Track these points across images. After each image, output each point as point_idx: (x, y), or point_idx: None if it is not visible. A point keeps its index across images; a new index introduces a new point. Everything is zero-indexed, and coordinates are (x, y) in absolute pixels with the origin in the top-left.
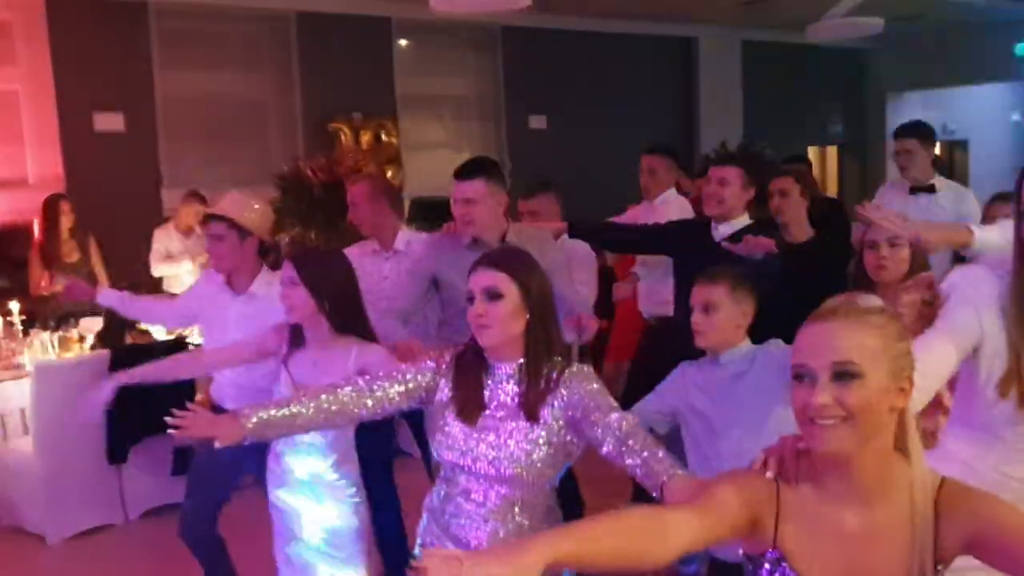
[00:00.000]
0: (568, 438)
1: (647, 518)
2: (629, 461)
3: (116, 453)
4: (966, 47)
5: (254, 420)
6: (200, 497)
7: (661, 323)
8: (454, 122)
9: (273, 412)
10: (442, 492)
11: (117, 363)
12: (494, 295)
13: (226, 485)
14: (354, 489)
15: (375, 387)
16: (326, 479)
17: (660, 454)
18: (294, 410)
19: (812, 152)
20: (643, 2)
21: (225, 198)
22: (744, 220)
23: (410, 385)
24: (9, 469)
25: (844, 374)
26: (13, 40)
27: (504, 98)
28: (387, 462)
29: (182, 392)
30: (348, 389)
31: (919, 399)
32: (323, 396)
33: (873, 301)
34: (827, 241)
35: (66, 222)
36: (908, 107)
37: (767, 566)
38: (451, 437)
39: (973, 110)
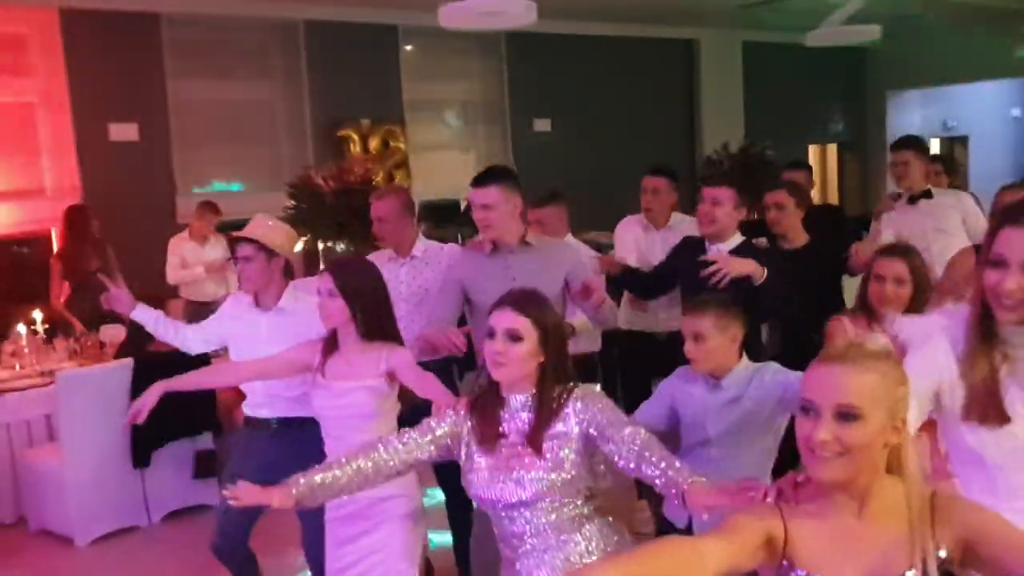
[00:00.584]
0: (584, 448)
1: (686, 546)
2: (648, 472)
3: (140, 458)
4: (965, 45)
5: (302, 485)
6: (234, 511)
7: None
8: (460, 126)
9: (317, 479)
10: (498, 536)
11: (140, 372)
12: (515, 337)
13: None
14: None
15: (406, 442)
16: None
17: (677, 463)
18: (336, 473)
19: (813, 150)
20: (644, 6)
21: (253, 221)
22: (737, 239)
23: (438, 434)
24: (36, 474)
25: (847, 415)
26: (29, 53)
27: (509, 102)
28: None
29: (203, 401)
30: (381, 449)
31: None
32: (360, 460)
33: (879, 344)
34: (822, 245)
35: (86, 230)
36: (908, 104)
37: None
38: (479, 474)
39: (973, 106)
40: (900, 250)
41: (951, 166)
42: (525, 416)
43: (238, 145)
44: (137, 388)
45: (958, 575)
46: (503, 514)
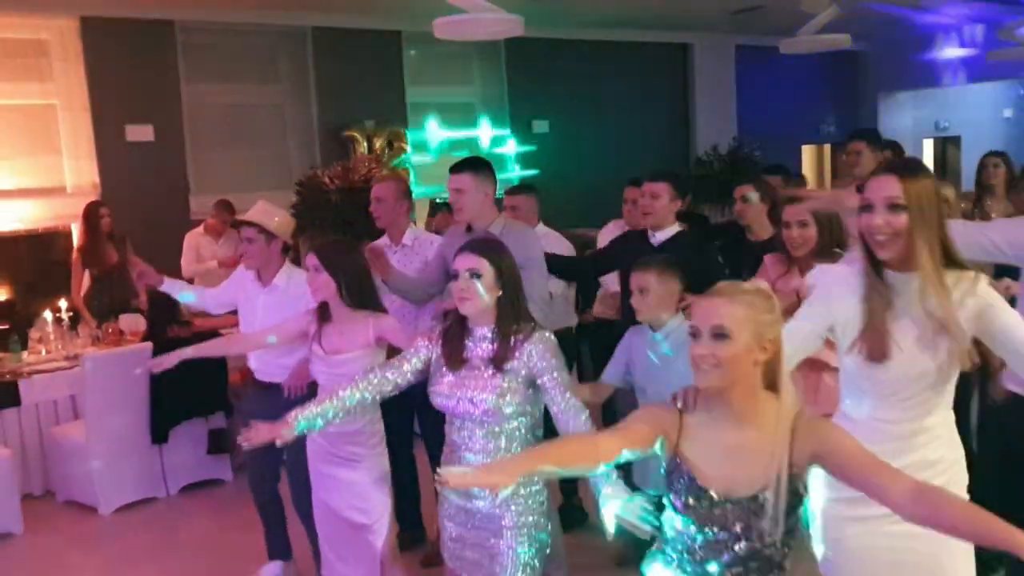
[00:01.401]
0: (529, 390)
1: (584, 439)
2: (564, 428)
3: (158, 434)
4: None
5: (300, 419)
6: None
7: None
8: (462, 128)
9: (312, 410)
10: (447, 440)
11: (159, 355)
12: (474, 274)
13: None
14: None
15: (389, 372)
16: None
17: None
18: (329, 404)
19: (806, 151)
20: (640, 11)
21: (255, 207)
22: (675, 228)
23: (414, 363)
24: (63, 449)
25: (719, 335)
26: (51, 58)
27: (508, 104)
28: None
29: (215, 383)
30: (370, 376)
31: (789, 362)
32: (350, 391)
33: (754, 285)
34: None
35: (105, 226)
36: (900, 106)
37: (676, 473)
38: (441, 385)
39: (965, 107)
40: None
41: (898, 151)
42: (486, 345)
43: (248, 145)
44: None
45: (802, 485)
46: (456, 423)
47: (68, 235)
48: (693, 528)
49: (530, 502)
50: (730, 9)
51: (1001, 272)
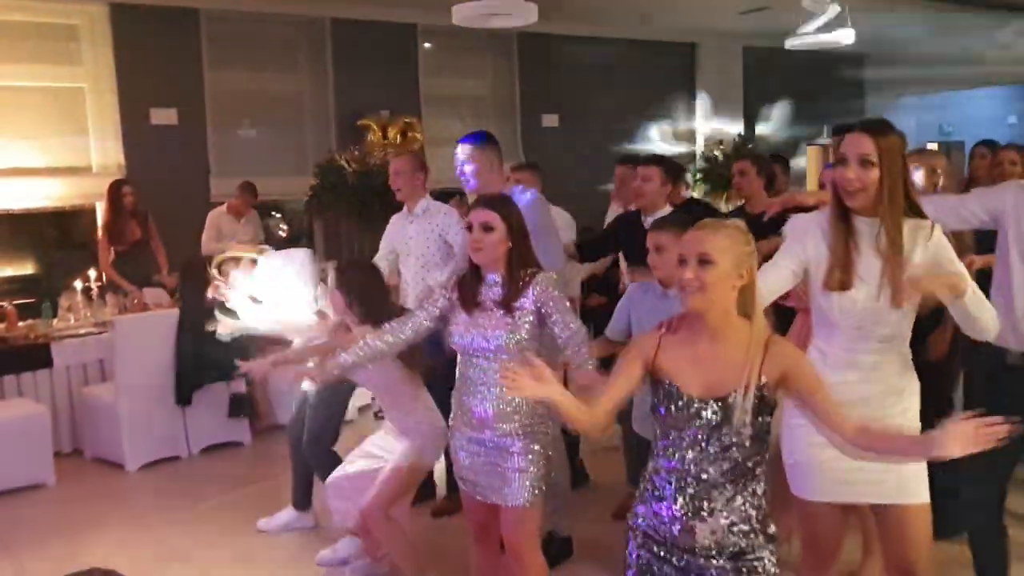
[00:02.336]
0: (538, 328)
1: (585, 411)
2: (568, 353)
3: (183, 397)
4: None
5: (333, 365)
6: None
7: None
8: (473, 119)
9: (346, 359)
10: (458, 375)
11: (185, 320)
12: (488, 228)
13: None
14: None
15: (413, 322)
16: None
17: (586, 353)
18: (359, 353)
19: (811, 152)
20: (650, 10)
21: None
22: (666, 210)
23: (434, 312)
24: (92, 409)
25: (704, 261)
26: (80, 43)
27: (519, 98)
28: None
29: (238, 350)
30: (393, 324)
31: (764, 299)
32: (377, 341)
33: (733, 221)
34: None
35: (128, 204)
36: (904, 109)
37: (658, 385)
38: (458, 326)
39: (969, 112)
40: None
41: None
42: (497, 290)
43: (267, 130)
44: (182, 335)
45: (768, 395)
46: (471, 360)
47: (93, 213)
48: (672, 435)
49: (536, 432)
50: (737, 9)
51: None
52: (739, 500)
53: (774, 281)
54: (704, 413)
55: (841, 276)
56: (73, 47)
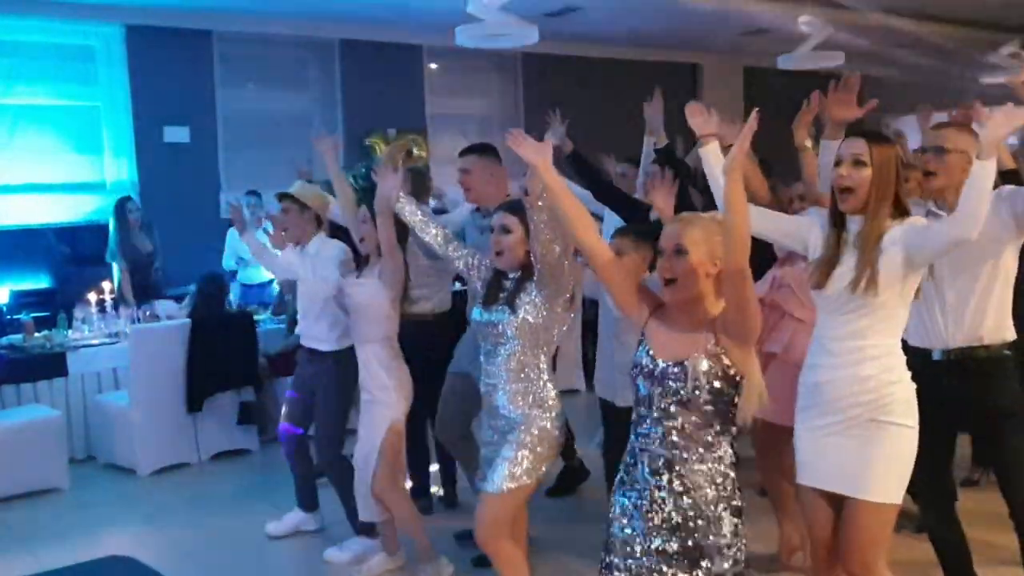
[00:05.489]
0: (545, 313)
1: (589, 224)
2: None
3: (193, 404)
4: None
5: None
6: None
7: None
8: (479, 137)
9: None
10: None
11: (196, 331)
12: (506, 230)
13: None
14: None
15: (457, 247)
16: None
17: None
18: (429, 228)
19: None
20: (652, 31)
21: (294, 185)
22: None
23: (465, 252)
24: (105, 416)
25: (678, 251)
26: (96, 63)
27: (524, 117)
28: None
29: (247, 359)
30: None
31: (756, 223)
32: (436, 229)
33: (709, 214)
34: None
35: (133, 222)
36: (907, 128)
37: (642, 343)
38: (478, 309)
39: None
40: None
41: None
42: (509, 285)
43: (277, 148)
44: (194, 345)
45: (727, 363)
46: (489, 345)
47: (107, 229)
48: (642, 392)
49: (551, 415)
50: (737, 31)
51: None
52: (701, 466)
53: (773, 218)
54: (665, 377)
55: (818, 277)
56: (89, 67)
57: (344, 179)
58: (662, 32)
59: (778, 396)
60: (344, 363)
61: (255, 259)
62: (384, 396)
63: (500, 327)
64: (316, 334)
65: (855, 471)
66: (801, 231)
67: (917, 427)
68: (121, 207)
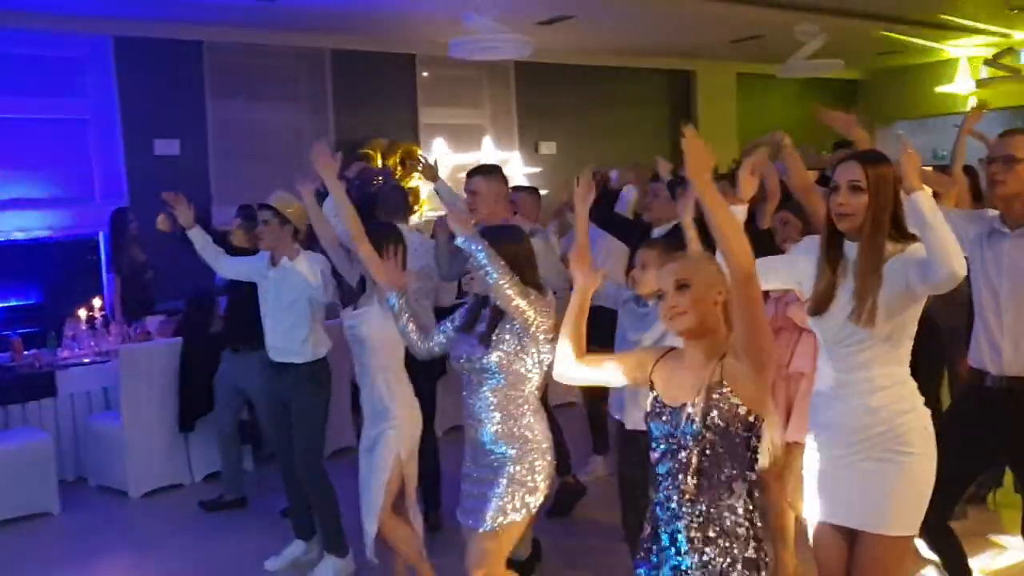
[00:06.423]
0: (522, 347)
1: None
2: None
3: (185, 423)
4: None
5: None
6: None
7: None
8: (472, 147)
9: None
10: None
11: (188, 350)
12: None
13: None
14: None
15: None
16: None
17: None
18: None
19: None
20: (645, 39)
21: (273, 195)
22: (673, 222)
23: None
24: (96, 437)
25: (681, 286)
26: (84, 75)
27: (517, 126)
28: None
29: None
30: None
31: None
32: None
33: (695, 250)
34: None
35: (133, 229)
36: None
37: (650, 393)
38: (451, 342)
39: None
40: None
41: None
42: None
43: (269, 160)
44: (185, 364)
45: (734, 403)
46: (471, 381)
47: (97, 243)
48: (654, 434)
49: (540, 447)
50: (730, 38)
51: None
52: (714, 512)
53: (768, 268)
54: (672, 422)
55: (816, 303)
56: (77, 80)
57: (345, 195)
58: (654, 39)
59: (798, 413)
60: (320, 374)
61: (200, 254)
62: (393, 429)
63: (480, 363)
64: (289, 347)
65: (872, 505)
66: (794, 269)
67: (935, 453)
68: (122, 217)
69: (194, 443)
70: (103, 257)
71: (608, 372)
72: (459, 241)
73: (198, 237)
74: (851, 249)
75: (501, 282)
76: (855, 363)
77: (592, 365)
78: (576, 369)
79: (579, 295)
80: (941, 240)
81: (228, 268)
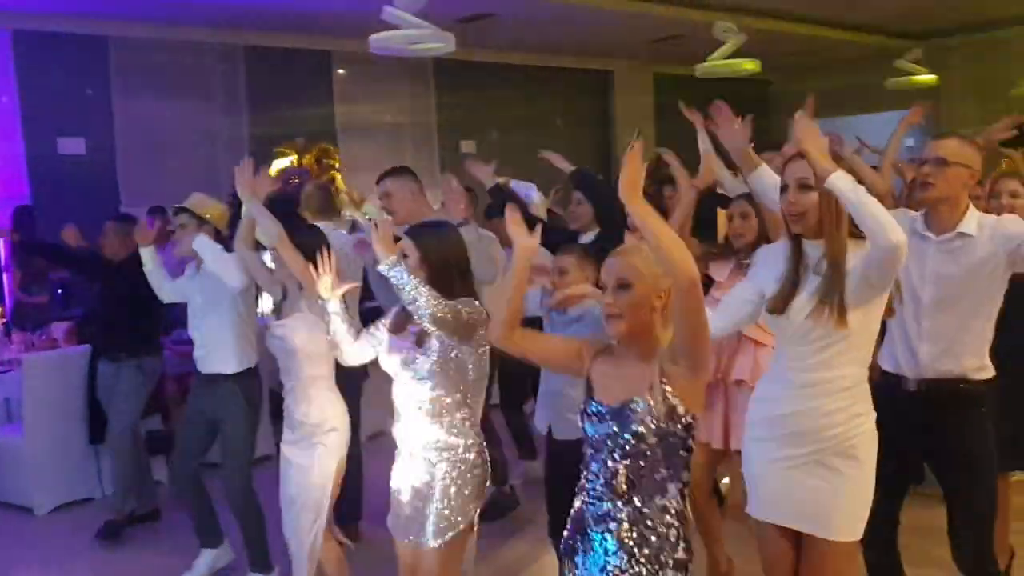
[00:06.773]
0: (453, 354)
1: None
2: None
3: (95, 434)
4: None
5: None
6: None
7: None
8: (391, 146)
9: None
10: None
11: (95, 356)
12: (403, 255)
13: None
14: None
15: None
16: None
17: None
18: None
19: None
20: (565, 38)
21: (191, 197)
22: (595, 231)
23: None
24: None
25: (622, 285)
26: None
27: (437, 124)
28: None
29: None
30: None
31: (720, 328)
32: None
33: (645, 246)
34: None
35: (39, 226)
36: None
37: (586, 389)
38: (385, 346)
39: (871, 135)
40: (745, 195)
41: None
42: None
43: (179, 159)
44: (93, 372)
45: (675, 405)
46: (402, 389)
47: None
48: (588, 435)
49: (471, 454)
50: (650, 38)
51: None
52: (647, 512)
53: (733, 310)
54: (609, 421)
55: (775, 302)
56: None
57: (268, 214)
58: (574, 39)
59: (738, 421)
60: (250, 391)
61: (148, 276)
62: (329, 439)
63: (412, 366)
64: (220, 357)
65: (822, 509)
66: (755, 281)
67: (875, 456)
68: (28, 214)
69: (105, 456)
70: (1, 258)
71: (540, 350)
72: (381, 269)
73: (148, 258)
74: (812, 248)
75: (431, 311)
76: (815, 363)
77: (527, 339)
78: (507, 340)
79: (518, 262)
80: (871, 215)
81: (171, 293)
